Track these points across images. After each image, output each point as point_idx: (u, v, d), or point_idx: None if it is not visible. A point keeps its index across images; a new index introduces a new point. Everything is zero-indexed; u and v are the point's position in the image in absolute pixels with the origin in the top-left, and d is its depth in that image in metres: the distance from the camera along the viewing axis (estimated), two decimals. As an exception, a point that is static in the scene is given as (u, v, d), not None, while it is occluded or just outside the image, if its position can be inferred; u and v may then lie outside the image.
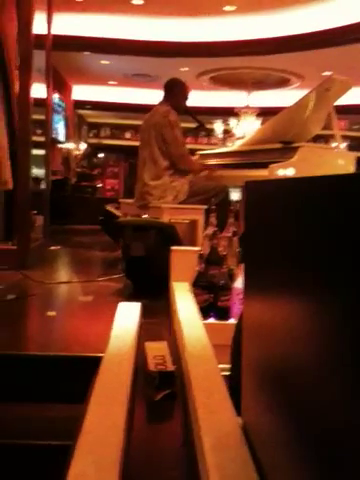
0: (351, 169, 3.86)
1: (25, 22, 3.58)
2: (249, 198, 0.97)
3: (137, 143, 4.03)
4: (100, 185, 11.44)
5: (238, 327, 1.33)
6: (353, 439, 0.48)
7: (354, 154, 4.07)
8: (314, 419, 0.60)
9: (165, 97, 3.81)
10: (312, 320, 0.62)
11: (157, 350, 1.46)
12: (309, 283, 0.64)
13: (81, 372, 1.46)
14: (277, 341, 0.78)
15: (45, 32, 4.91)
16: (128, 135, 14.36)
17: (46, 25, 4.94)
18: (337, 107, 4.03)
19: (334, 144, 4.13)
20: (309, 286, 0.64)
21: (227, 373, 1.33)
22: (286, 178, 0.84)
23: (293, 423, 0.69)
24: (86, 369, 1.39)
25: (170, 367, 1.33)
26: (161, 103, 3.80)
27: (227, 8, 6.57)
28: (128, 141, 14.16)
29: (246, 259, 1.02)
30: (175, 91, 3.79)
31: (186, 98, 3.85)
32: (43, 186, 6.11)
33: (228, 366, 1.40)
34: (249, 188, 0.96)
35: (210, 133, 9.41)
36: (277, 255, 0.79)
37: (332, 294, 0.55)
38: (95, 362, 1.33)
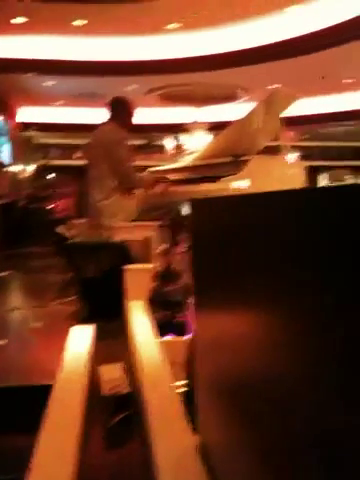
0: (302, 178, 3.94)
1: None
2: (194, 215, 0.97)
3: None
4: (52, 206, 11.26)
5: (192, 343, 1.31)
6: (309, 452, 0.47)
7: (303, 164, 4.17)
8: (268, 433, 0.59)
9: (110, 116, 3.80)
10: (261, 334, 0.61)
11: (112, 373, 1.42)
12: (255, 296, 0.63)
13: (33, 401, 1.41)
14: (228, 356, 0.77)
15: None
16: (78, 155, 14.23)
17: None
18: (286, 118, 4.12)
19: (284, 155, 4.22)
20: (256, 299, 0.63)
21: (186, 389, 1.31)
22: (230, 195, 0.85)
23: (247, 437, 0.68)
24: (38, 398, 1.34)
25: (125, 390, 1.30)
26: (107, 122, 3.79)
27: (171, 26, 6.66)
28: (78, 161, 14.02)
29: (194, 275, 1.01)
30: (119, 109, 3.78)
31: (131, 116, 3.84)
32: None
33: (187, 382, 1.38)
34: (194, 206, 0.96)
35: (160, 149, 9.46)
36: (223, 271, 0.79)
37: (279, 307, 0.55)
38: (47, 390, 1.28)
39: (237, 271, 0.72)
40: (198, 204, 0.96)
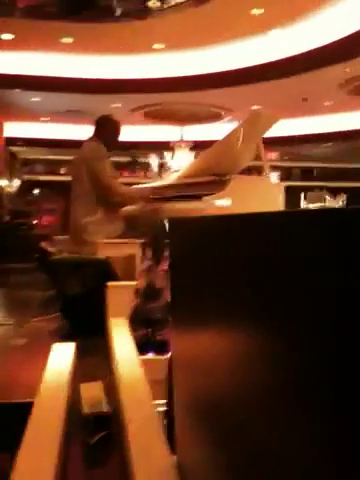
0: (280, 198, 4.00)
1: None
2: (172, 234, 0.98)
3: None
4: (36, 222, 11.21)
5: (171, 362, 1.33)
6: (289, 471, 0.48)
7: (282, 184, 4.24)
8: (246, 453, 0.60)
9: (95, 133, 3.83)
10: (238, 353, 0.63)
11: (92, 391, 1.42)
12: (232, 316, 0.65)
13: (12, 420, 1.40)
14: (206, 375, 0.79)
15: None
16: (63, 170, 14.23)
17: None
18: (268, 139, 4.19)
19: (265, 175, 4.28)
20: (232, 319, 0.65)
21: (165, 409, 1.31)
22: (207, 216, 0.86)
23: (225, 457, 0.69)
24: (17, 416, 1.34)
25: (105, 409, 1.30)
26: (90, 139, 3.82)
27: (156, 46, 6.75)
28: (63, 176, 14.01)
29: (172, 294, 1.03)
30: (105, 128, 3.81)
31: (117, 135, 3.88)
32: None
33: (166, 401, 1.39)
34: (172, 225, 0.98)
35: (144, 167, 9.51)
36: (199, 290, 0.80)
37: (256, 327, 0.56)
38: (26, 408, 1.28)
39: (214, 291, 0.73)
40: (176, 223, 0.98)
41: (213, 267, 0.74)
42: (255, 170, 4.67)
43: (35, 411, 1.23)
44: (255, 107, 8.06)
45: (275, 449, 0.51)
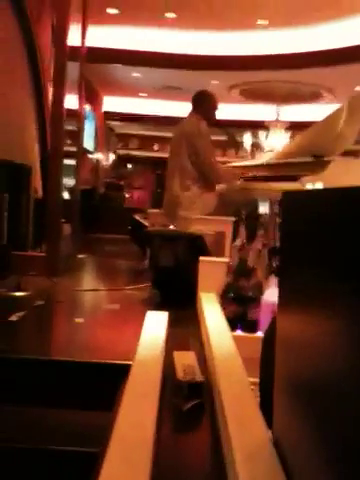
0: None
1: (61, 34, 3.65)
2: (286, 209, 0.96)
3: (165, 154, 4.06)
4: (128, 195, 11.53)
5: (266, 340, 1.31)
6: None
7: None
8: (348, 435, 0.59)
9: (194, 109, 3.83)
10: (349, 333, 0.60)
11: (185, 360, 1.45)
12: (346, 296, 0.62)
13: (108, 379, 1.46)
14: (311, 355, 0.77)
15: (79, 44, 5.00)
16: (156, 147, 14.46)
17: (80, 37, 5.03)
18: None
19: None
20: (346, 299, 0.62)
21: (254, 387, 1.31)
22: (324, 188, 0.81)
23: (326, 438, 0.68)
24: (113, 376, 1.39)
25: (199, 377, 1.32)
26: (191, 114, 3.83)
27: (260, 22, 6.59)
28: (156, 153, 14.25)
29: (281, 271, 1.01)
30: (204, 103, 3.81)
31: (215, 110, 3.86)
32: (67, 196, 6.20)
33: (255, 380, 1.39)
34: (286, 199, 0.95)
35: (239, 146, 9.41)
36: (314, 267, 0.78)
37: None
38: (123, 370, 1.33)
39: (327, 268, 0.71)
40: (290, 197, 0.95)
41: (327, 243, 0.71)
42: (351, 154, 4.47)
43: (133, 374, 1.27)
44: (358, 88, 7.68)
45: None
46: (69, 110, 4.02)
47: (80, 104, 5.03)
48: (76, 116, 5.05)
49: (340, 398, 0.62)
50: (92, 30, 5.70)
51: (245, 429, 0.96)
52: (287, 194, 0.93)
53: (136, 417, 1.02)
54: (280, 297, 0.98)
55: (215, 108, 3.86)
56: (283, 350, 0.94)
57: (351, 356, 0.59)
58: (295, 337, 0.87)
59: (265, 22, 6.61)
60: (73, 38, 4.13)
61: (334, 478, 0.63)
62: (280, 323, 0.98)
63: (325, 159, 3.58)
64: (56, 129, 3.58)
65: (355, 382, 0.57)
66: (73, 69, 4.63)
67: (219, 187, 3.86)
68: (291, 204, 0.93)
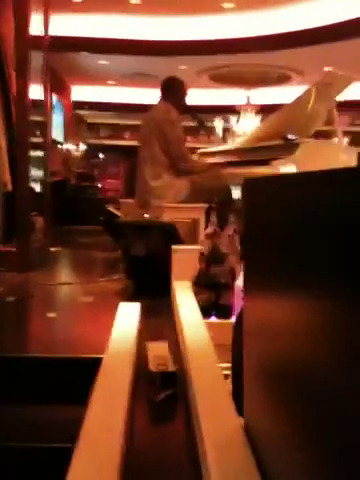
0: (353, 164, 3.83)
1: (22, 23, 3.56)
2: (248, 195, 0.95)
3: (137, 143, 4.02)
4: (100, 185, 11.43)
5: (237, 326, 1.31)
6: (357, 436, 0.47)
7: (355, 149, 4.05)
8: (318, 419, 0.59)
9: (164, 96, 3.79)
10: (314, 318, 0.60)
11: (158, 350, 1.44)
12: (311, 280, 0.62)
13: (82, 373, 1.45)
14: (279, 340, 0.77)
15: (42, 33, 4.90)
16: (127, 135, 14.33)
17: (43, 26, 4.93)
18: (339, 102, 4.01)
19: (336, 140, 4.11)
20: (311, 283, 0.62)
21: (229, 372, 1.31)
22: (285, 174, 0.81)
23: (296, 424, 0.68)
24: (87, 370, 1.38)
25: (172, 368, 1.31)
26: (160, 101, 3.79)
27: (226, 5, 6.55)
28: (128, 141, 14.13)
29: (245, 257, 1.00)
30: (173, 89, 3.77)
31: (185, 96, 3.83)
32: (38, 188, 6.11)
33: (229, 365, 1.39)
34: (248, 185, 0.95)
35: (210, 131, 9.40)
36: (277, 252, 0.78)
37: (334, 291, 0.54)
38: (96, 363, 1.32)
39: (291, 253, 0.70)
40: (251, 183, 0.95)
41: (289, 227, 0.71)
42: (322, 135, 4.49)
43: (104, 366, 1.26)
44: (327, 69, 7.70)
45: (345, 415, 0.49)
46: (36, 101, 3.95)
47: (46, 94, 4.94)
48: (43, 106, 4.96)
49: (308, 383, 0.62)
50: (56, 18, 5.58)
51: (216, 417, 0.96)
52: (248, 180, 0.93)
53: (107, 410, 1.01)
54: (245, 283, 0.98)
55: (185, 94, 3.83)
56: (251, 336, 0.94)
57: (317, 340, 0.59)
58: (262, 323, 0.87)
59: (231, 5, 6.56)
60: (36, 27, 4.04)
61: (304, 463, 0.63)
62: (246, 309, 0.98)
63: (295, 141, 3.59)
64: (21, 120, 3.51)
65: (322, 366, 0.57)
66: (38, 59, 4.54)
67: (192, 174, 3.84)
68: (252, 190, 0.92)
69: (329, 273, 0.56)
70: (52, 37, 5.09)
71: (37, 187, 6.43)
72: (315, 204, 0.61)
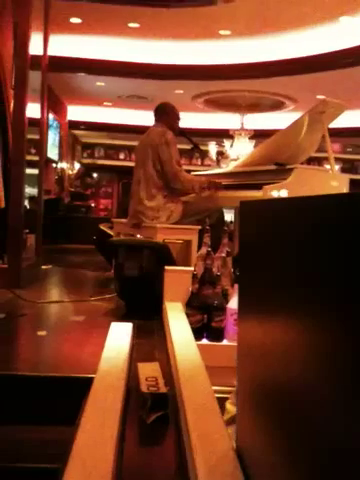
0: (344, 191, 3.88)
1: (21, 42, 3.61)
2: (243, 218, 0.96)
3: (131, 163, 4.05)
4: (93, 205, 11.44)
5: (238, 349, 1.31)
6: (352, 462, 0.47)
7: (347, 176, 4.10)
8: (310, 443, 0.59)
9: (158, 120, 3.84)
10: (309, 341, 0.61)
11: (149, 371, 1.43)
12: (306, 303, 0.63)
13: (72, 393, 1.44)
14: (272, 363, 0.77)
15: (41, 53, 4.95)
16: (122, 155, 14.43)
17: (42, 46, 4.98)
18: (331, 130, 4.07)
19: (328, 166, 4.16)
20: (306, 306, 0.63)
21: (220, 395, 1.30)
22: (280, 198, 0.82)
23: (289, 447, 0.67)
24: (77, 390, 1.37)
25: (163, 389, 1.30)
26: (156, 124, 3.83)
27: (222, 32, 6.67)
28: (122, 161, 14.24)
29: (240, 279, 1.01)
30: (166, 115, 3.83)
31: (178, 120, 3.88)
32: (27, 206, 6.10)
33: (221, 388, 1.38)
34: (243, 208, 0.96)
35: (204, 155, 9.47)
36: (272, 275, 0.78)
37: (330, 314, 0.54)
38: (86, 383, 1.31)
39: (285, 276, 0.71)
40: (247, 206, 0.96)
41: (285, 250, 0.71)
42: (314, 161, 4.54)
43: (95, 387, 1.25)
44: (320, 97, 7.83)
45: (338, 439, 0.49)
46: (32, 119, 3.97)
47: (42, 113, 4.97)
48: (39, 125, 4.98)
49: (300, 406, 0.62)
50: (55, 39, 5.65)
51: (208, 440, 0.96)
52: (244, 203, 0.94)
53: (97, 431, 1.00)
54: (240, 305, 0.98)
55: (177, 118, 3.88)
56: (244, 358, 0.94)
57: (310, 363, 0.59)
58: (255, 345, 0.87)
59: (227, 32, 6.69)
60: (35, 47, 4.09)
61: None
62: (240, 331, 0.98)
63: (287, 167, 3.63)
64: (18, 138, 3.53)
65: (315, 390, 0.57)
66: (36, 78, 4.58)
67: (184, 196, 3.86)
68: (248, 213, 0.93)
69: (324, 296, 0.56)
70: (51, 57, 5.15)
71: (35, 205, 6.42)
72: (310, 228, 0.62)
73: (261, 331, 0.83)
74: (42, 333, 2.12)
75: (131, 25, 6.55)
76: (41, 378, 1.60)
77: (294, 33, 6.67)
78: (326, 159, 4.37)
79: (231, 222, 4.39)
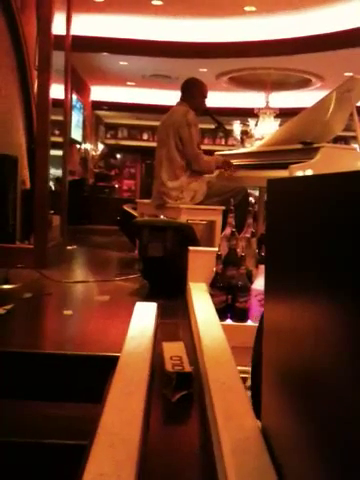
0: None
1: (45, 23, 3.59)
2: (271, 197, 0.95)
3: (154, 144, 4.02)
4: (117, 186, 11.47)
5: (259, 329, 1.30)
6: None
7: (375, 155, 4.00)
8: (337, 423, 0.58)
9: (183, 97, 3.79)
10: (337, 322, 0.59)
11: (174, 350, 1.44)
12: (335, 283, 0.61)
13: (97, 371, 1.45)
14: (299, 343, 0.76)
15: (64, 33, 4.93)
16: (145, 136, 14.38)
17: (65, 26, 4.96)
18: (359, 108, 3.97)
19: (355, 145, 4.07)
20: (334, 286, 0.61)
21: (245, 375, 1.30)
22: (310, 175, 0.80)
23: (314, 427, 0.67)
24: (102, 368, 1.38)
25: (187, 368, 1.31)
26: (179, 103, 3.79)
27: (247, 8, 6.53)
28: (145, 142, 14.19)
29: (267, 259, 0.99)
30: (193, 91, 3.77)
31: (205, 98, 3.82)
32: (53, 187, 6.14)
33: (245, 368, 1.38)
34: (271, 187, 0.94)
35: (229, 134, 9.36)
36: (300, 255, 0.77)
37: (356, 293, 0.53)
38: (112, 361, 1.32)
39: (314, 255, 0.70)
40: (275, 185, 0.94)
41: (315, 230, 0.70)
42: (341, 140, 4.46)
43: (121, 365, 1.26)
44: (348, 74, 7.65)
45: None
46: (56, 100, 3.97)
47: (66, 93, 4.97)
48: (63, 106, 4.99)
49: (328, 386, 0.62)
50: (78, 19, 5.62)
51: (233, 419, 0.96)
52: (272, 182, 0.92)
53: (123, 409, 1.01)
54: (266, 286, 0.97)
55: (204, 96, 3.82)
56: (270, 339, 0.93)
57: (337, 344, 0.58)
58: (282, 326, 0.86)
59: (253, 8, 6.55)
60: (58, 27, 4.07)
61: (322, 467, 0.62)
62: (267, 312, 0.97)
63: (314, 146, 3.57)
64: (42, 119, 3.53)
65: (342, 370, 0.56)
66: (59, 58, 4.57)
67: (209, 176, 3.84)
68: (276, 192, 0.91)
69: (354, 275, 0.55)
70: (74, 37, 5.12)
71: (60, 186, 6.47)
72: (340, 206, 0.60)
73: (289, 311, 0.82)
74: (68, 312, 2.14)
75: (154, 2, 6.46)
76: (68, 356, 1.62)
77: (321, 8, 6.49)
78: (354, 138, 4.28)
79: (255, 203, 4.35)
